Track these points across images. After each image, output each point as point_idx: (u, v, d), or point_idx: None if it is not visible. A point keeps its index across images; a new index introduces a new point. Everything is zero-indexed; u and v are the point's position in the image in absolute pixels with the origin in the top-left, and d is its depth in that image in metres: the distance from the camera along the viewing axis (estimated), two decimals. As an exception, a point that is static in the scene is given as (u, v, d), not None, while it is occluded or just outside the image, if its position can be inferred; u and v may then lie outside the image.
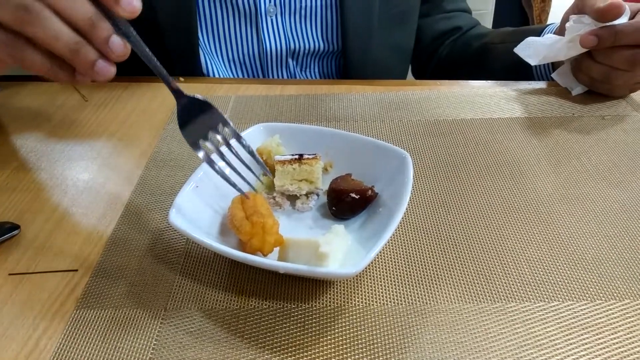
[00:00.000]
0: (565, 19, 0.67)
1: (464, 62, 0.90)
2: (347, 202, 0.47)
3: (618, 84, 0.66)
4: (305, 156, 0.50)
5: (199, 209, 0.45)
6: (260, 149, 0.52)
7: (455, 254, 0.46)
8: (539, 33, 0.75)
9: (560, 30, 0.69)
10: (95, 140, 0.62)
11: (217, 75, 0.80)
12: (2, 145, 0.61)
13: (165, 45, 0.76)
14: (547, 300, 0.41)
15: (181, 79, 0.75)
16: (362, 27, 0.80)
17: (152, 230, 0.48)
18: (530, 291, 0.42)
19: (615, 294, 0.42)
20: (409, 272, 0.44)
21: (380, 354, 0.37)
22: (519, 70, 0.78)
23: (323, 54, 0.83)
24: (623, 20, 0.61)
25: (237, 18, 0.77)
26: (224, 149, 0.45)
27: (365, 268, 0.39)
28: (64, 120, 0.66)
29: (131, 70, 0.81)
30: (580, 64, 0.67)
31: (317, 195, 0.51)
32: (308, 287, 0.42)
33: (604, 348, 0.38)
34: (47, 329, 0.39)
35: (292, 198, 0.50)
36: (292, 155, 0.50)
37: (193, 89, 0.73)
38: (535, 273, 0.44)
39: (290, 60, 0.82)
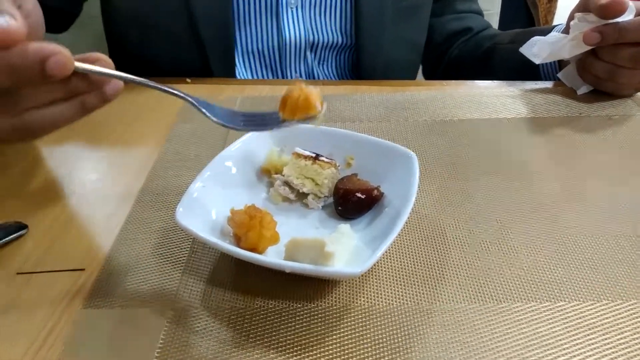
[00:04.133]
0: (571, 18, 0.67)
1: (473, 63, 0.90)
2: (353, 202, 0.47)
3: (623, 82, 0.65)
4: (322, 158, 0.50)
5: (205, 208, 0.45)
6: (265, 167, 0.52)
7: (461, 254, 0.46)
8: (546, 33, 0.75)
9: (567, 30, 0.69)
10: (103, 139, 0.62)
11: (237, 68, 0.80)
12: (10, 146, 0.61)
13: (200, 38, 0.76)
14: (553, 300, 0.41)
15: (188, 80, 0.76)
16: (375, 21, 0.80)
17: (159, 230, 0.48)
18: (536, 291, 0.42)
19: (622, 295, 0.41)
20: (415, 272, 0.44)
21: (386, 353, 0.37)
22: (527, 71, 0.78)
23: (339, 48, 0.84)
24: (628, 18, 0.61)
25: (257, 8, 0.77)
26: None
27: (371, 268, 0.39)
28: (71, 120, 0.66)
29: (137, 71, 0.82)
30: (585, 63, 0.67)
31: (327, 197, 0.50)
32: (314, 286, 0.42)
33: (610, 348, 0.37)
34: (54, 328, 0.40)
35: (303, 196, 0.50)
36: (312, 152, 0.50)
37: (199, 89, 0.73)
38: (541, 273, 0.43)
39: (308, 53, 0.82)
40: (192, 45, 0.76)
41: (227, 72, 0.79)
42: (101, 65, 0.38)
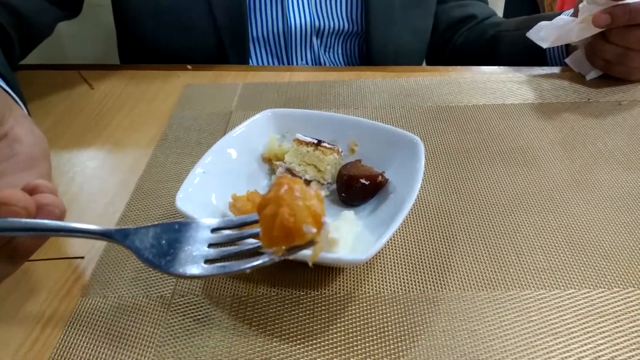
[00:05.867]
0: (579, 0, 0.65)
1: (478, 50, 0.89)
2: (357, 189, 0.46)
3: (634, 65, 0.64)
4: (324, 144, 0.49)
5: (206, 195, 0.45)
6: (266, 156, 0.51)
7: (468, 240, 0.45)
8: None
9: (575, 14, 0.67)
10: (103, 128, 0.61)
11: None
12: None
13: (216, 24, 0.75)
14: (562, 287, 0.40)
15: (188, 67, 0.74)
16: (385, 8, 0.79)
17: (159, 217, 0.48)
18: (545, 278, 0.41)
19: (633, 281, 0.40)
20: (421, 259, 0.43)
21: (392, 342, 0.36)
22: (533, 58, 0.76)
23: (347, 35, 0.83)
24: None
25: None
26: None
27: (376, 255, 0.38)
28: (71, 108, 0.65)
29: (150, 60, 0.81)
30: (594, 47, 0.65)
31: (330, 183, 0.50)
32: (317, 274, 0.42)
33: (622, 336, 0.36)
34: (54, 316, 0.39)
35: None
36: (313, 138, 0.49)
37: (200, 76, 0.72)
38: (551, 260, 0.42)
39: (314, 40, 0.81)
40: (208, 31, 0.75)
41: (241, 58, 0.78)
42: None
